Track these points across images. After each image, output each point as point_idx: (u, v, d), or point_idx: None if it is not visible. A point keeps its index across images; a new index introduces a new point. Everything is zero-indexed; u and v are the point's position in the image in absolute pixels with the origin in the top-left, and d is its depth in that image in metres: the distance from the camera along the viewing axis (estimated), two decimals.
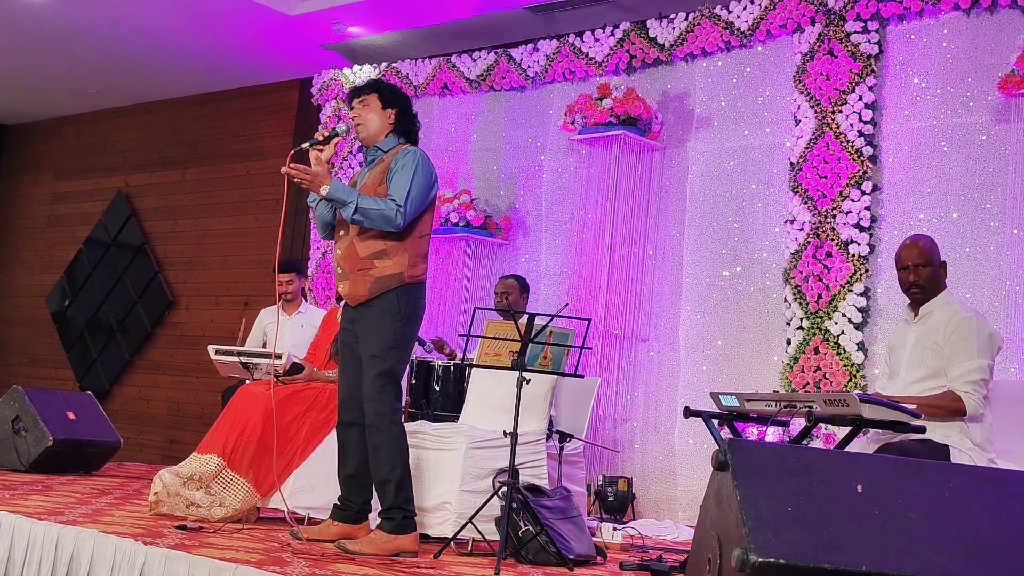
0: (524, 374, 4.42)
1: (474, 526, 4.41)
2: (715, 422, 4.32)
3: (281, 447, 4.99)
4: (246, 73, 9.79)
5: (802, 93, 6.55)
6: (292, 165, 4.26)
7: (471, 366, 5.12)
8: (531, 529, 4.38)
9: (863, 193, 6.25)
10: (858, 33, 6.39)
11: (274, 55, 9.20)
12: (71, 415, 6.83)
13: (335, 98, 8.98)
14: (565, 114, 7.35)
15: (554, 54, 7.79)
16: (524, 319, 4.49)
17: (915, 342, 4.34)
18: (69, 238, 11.57)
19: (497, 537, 4.35)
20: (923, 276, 4.34)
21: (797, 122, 6.56)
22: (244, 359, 5.71)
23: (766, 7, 6.78)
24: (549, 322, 4.46)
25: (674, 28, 7.20)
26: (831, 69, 6.45)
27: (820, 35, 6.52)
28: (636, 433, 7.01)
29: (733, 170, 6.95)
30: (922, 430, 3.76)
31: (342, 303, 4.59)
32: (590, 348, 5.90)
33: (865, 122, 6.32)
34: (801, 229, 6.41)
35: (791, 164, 6.54)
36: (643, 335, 7.11)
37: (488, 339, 4.60)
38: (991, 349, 4.21)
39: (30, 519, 4.19)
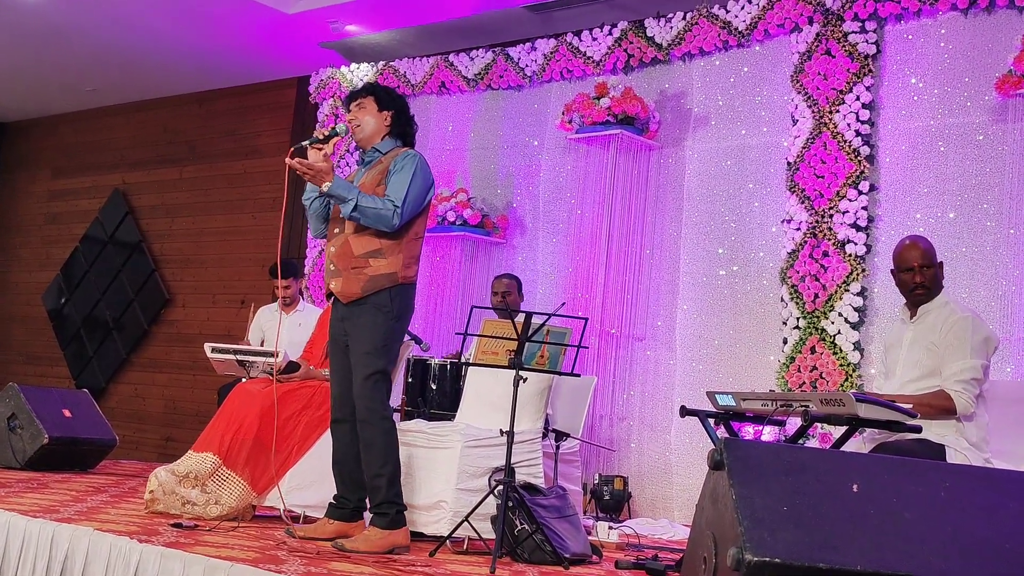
0: (521, 373, 4.42)
1: (470, 524, 4.41)
2: (711, 421, 4.32)
3: (277, 445, 4.99)
4: (243, 71, 9.79)
5: (799, 93, 6.55)
6: (296, 159, 4.31)
7: (468, 364, 5.12)
8: (527, 528, 4.38)
9: (860, 193, 6.26)
10: (856, 33, 6.39)
11: (271, 53, 9.20)
12: (67, 413, 6.82)
13: (332, 96, 8.97)
14: (563, 113, 7.35)
15: (552, 53, 7.79)
16: (521, 318, 4.49)
17: (911, 342, 4.34)
18: (66, 236, 11.56)
19: (493, 536, 4.35)
20: (927, 277, 4.35)
21: (794, 122, 6.56)
22: (240, 357, 5.71)
23: (764, 7, 6.78)
24: (546, 321, 4.46)
25: (672, 27, 7.19)
26: (829, 69, 6.45)
27: (818, 35, 6.52)
28: (632, 432, 7.01)
29: (730, 169, 6.95)
30: (918, 430, 3.76)
31: (331, 300, 4.59)
32: (587, 347, 5.90)
33: (862, 122, 6.32)
34: (798, 229, 6.42)
35: (788, 164, 6.54)
36: (640, 334, 7.11)
37: (485, 338, 4.60)
38: (986, 350, 4.22)
39: (25, 517, 4.19)
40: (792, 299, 6.37)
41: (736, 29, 6.90)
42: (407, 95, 8.33)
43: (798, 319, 6.34)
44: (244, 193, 10.01)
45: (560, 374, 4.64)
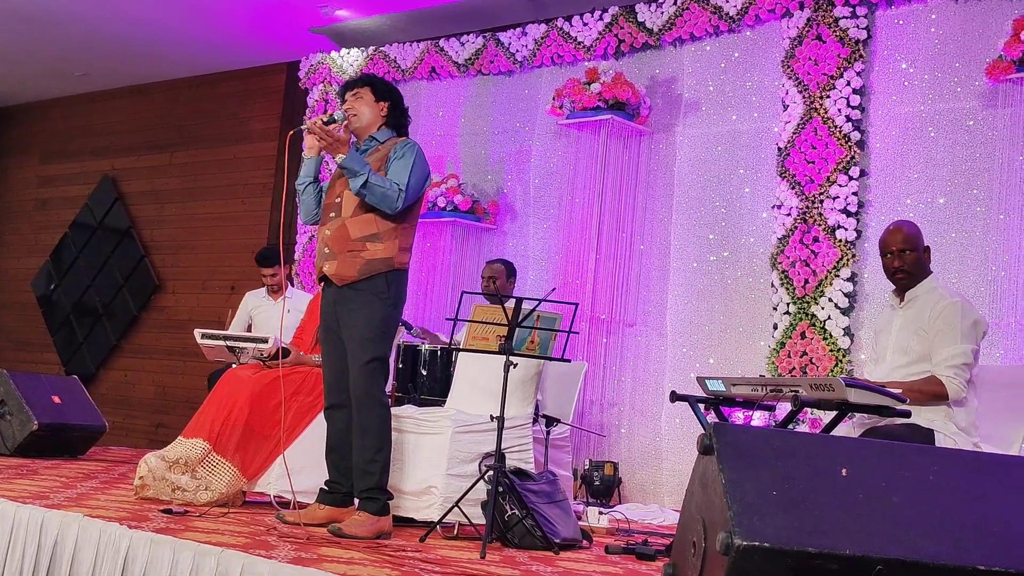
0: (511, 358, 4.42)
1: (460, 510, 4.42)
2: (701, 406, 4.33)
3: (268, 431, 4.99)
4: (233, 56, 9.75)
5: (790, 78, 6.55)
6: (319, 125, 4.34)
7: (458, 350, 5.11)
8: (517, 513, 4.39)
9: (850, 178, 6.26)
10: (846, 18, 6.38)
11: (261, 38, 9.16)
12: (56, 399, 6.81)
13: (323, 82, 8.94)
14: (553, 98, 7.33)
15: (542, 38, 7.77)
16: (511, 303, 4.49)
17: (900, 327, 4.35)
18: (55, 222, 11.51)
19: (483, 521, 4.35)
20: (907, 261, 4.36)
21: (785, 107, 6.56)
22: (230, 343, 5.70)
23: None
24: (536, 306, 4.46)
25: (663, 13, 7.18)
26: (819, 54, 6.44)
27: (808, 20, 6.51)
28: (623, 417, 7.02)
29: (721, 155, 6.95)
30: (907, 414, 3.77)
31: (321, 284, 4.58)
32: (577, 333, 5.90)
33: (853, 107, 6.32)
34: (788, 214, 6.42)
35: (779, 149, 6.54)
36: (630, 320, 7.11)
37: (475, 323, 4.60)
38: (976, 334, 4.23)
39: (14, 503, 4.18)
40: (782, 284, 6.38)
41: (727, 14, 6.89)
42: (397, 80, 8.32)
43: (788, 304, 6.35)
44: (234, 179, 9.98)
45: (550, 359, 4.65)
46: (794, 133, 6.47)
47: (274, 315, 7.33)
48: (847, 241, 6.22)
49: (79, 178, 11.38)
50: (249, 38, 9.19)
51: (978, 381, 4.27)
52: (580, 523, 4.86)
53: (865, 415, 4.12)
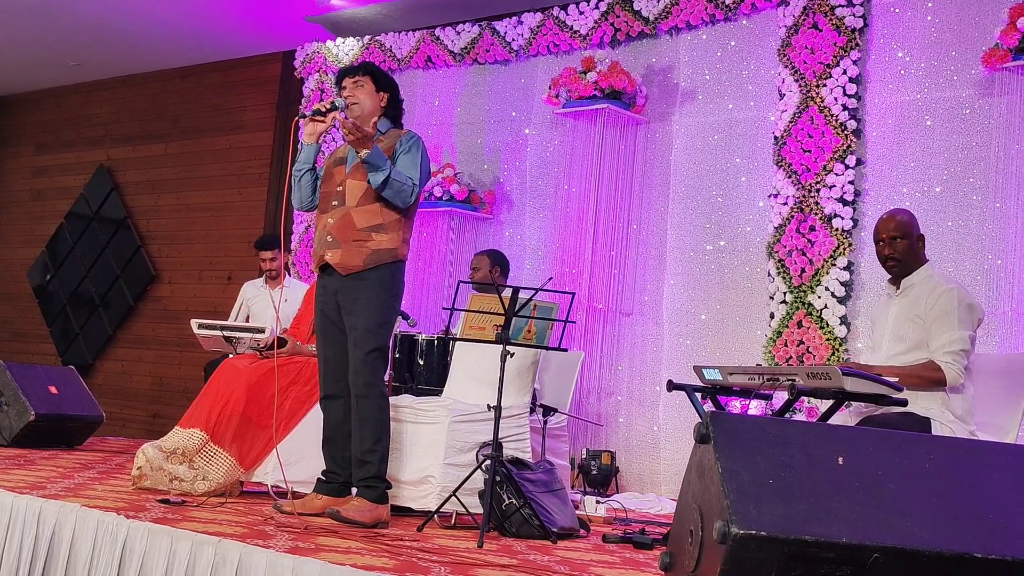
0: (508, 348, 4.42)
1: (458, 499, 4.42)
2: (698, 395, 4.33)
3: (265, 421, 4.99)
4: (228, 46, 9.72)
5: (786, 67, 6.54)
6: (351, 122, 4.31)
7: (455, 340, 5.11)
8: (515, 502, 4.39)
9: (847, 167, 6.26)
10: (843, 7, 6.37)
11: (257, 27, 9.13)
12: (53, 390, 6.81)
13: (318, 71, 8.93)
14: (549, 87, 7.32)
15: (538, 27, 7.76)
16: (508, 293, 4.49)
17: (897, 315, 4.36)
18: (50, 212, 11.49)
19: (480, 510, 4.36)
20: (898, 249, 4.37)
21: (781, 96, 6.55)
22: (227, 333, 5.70)
23: None
24: (533, 296, 4.46)
25: (659, 1, 7.16)
26: (816, 43, 6.44)
27: (805, 8, 6.50)
28: (620, 407, 7.03)
29: (717, 144, 6.94)
30: (904, 403, 3.77)
31: (319, 272, 4.56)
32: (574, 322, 5.91)
33: (849, 96, 6.32)
34: (785, 203, 6.42)
35: (775, 138, 6.54)
36: (627, 309, 7.11)
37: (472, 313, 4.60)
38: (972, 321, 4.24)
39: (12, 494, 4.18)
40: (779, 273, 6.38)
41: (723, 3, 6.88)
42: (393, 70, 8.31)
43: (785, 293, 6.35)
44: (230, 168, 9.96)
45: (547, 349, 4.65)
46: (790, 122, 6.46)
47: (271, 305, 7.34)
48: (843, 230, 6.22)
49: (74, 168, 11.36)
50: (244, 27, 9.16)
51: (974, 369, 4.28)
52: (578, 512, 4.86)
53: (862, 404, 4.12)
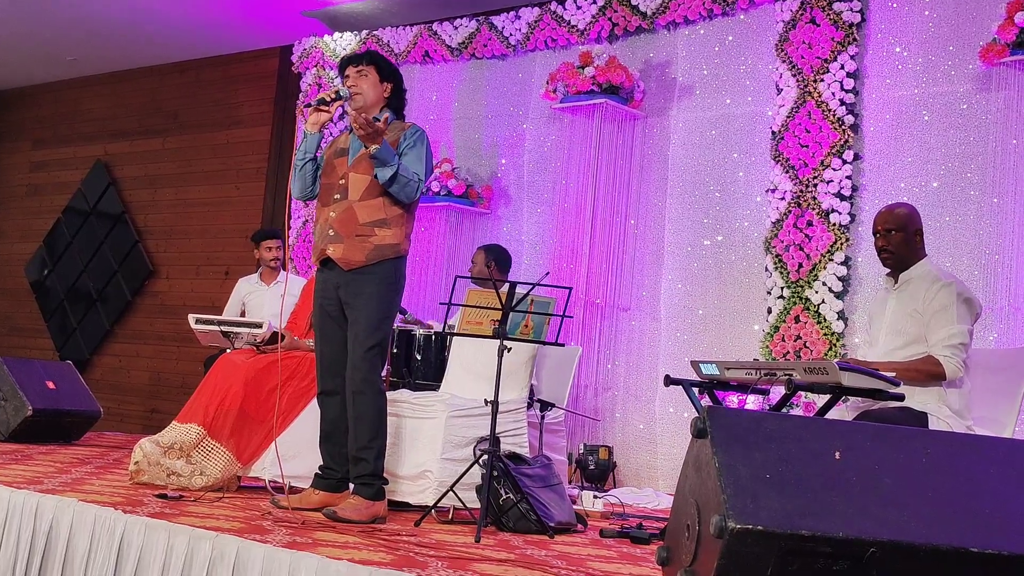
0: (505, 343, 4.42)
1: (455, 494, 4.42)
2: (695, 390, 4.33)
3: (262, 416, 4.98)
4: (226, 40, 9.71)
5: (784, 62, 6.54)
6: (363, 113, 4.28)
7: (452, 335, 5.11)
8: (512, 497, 4.39)
9: (844, 162, 6.26)
10: (840, 1, 6.37)
11: (254, 22, 9.12)
12: (51, 384, 6.80)
13: (315, 66, 8.92)
14: (547, 82, 7.32)
15: (536, 22, 7.75)
16: (505, 288, 4.48)
17: (894, 309, 4.36)
18: (48, 207, 11.48)
19: (478, 505, 4.36)
20: (893, 241, 4.37)
21: (779, 91, 6.55)
22: (225, 328, 5.69)
23: None
24: (530, 291, 4.46)
25: None
26: (813, 38, 6.44)
27: (802, 3, 6.50)
28: (617, 402, 7.03)
29: (715, 139, 6.94)
30: (901, 397, 3.78)
31: (319, 267, 4.53)
32: (571, 317, 5.91)
33: (847, 91, 6.32)
34: (782, 198, 6.42)
35: (773, 133, 6.54)
36: (625, 304, 7.12)
37: (469, 308, 4.60)
38: (970, 315, 4.25)
39: (9, 488, 4.17)
40: (776, 268, 6.39)
41: None
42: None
43: (782, 288, 6.35)
44: (227, 164, 9.95)
45: (544, 344, 4.64)
46: (788, 117, 6.46)
47: (267, 300, 7.34)
48: (841, 225, 6.23)
49: (71, 163, 11.35)
50: (242, 22, 9.15)
51: (972, 364, 4.29)
52: (575, 507, 4.86)
53: (859, 399, 4.13)
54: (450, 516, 4.56)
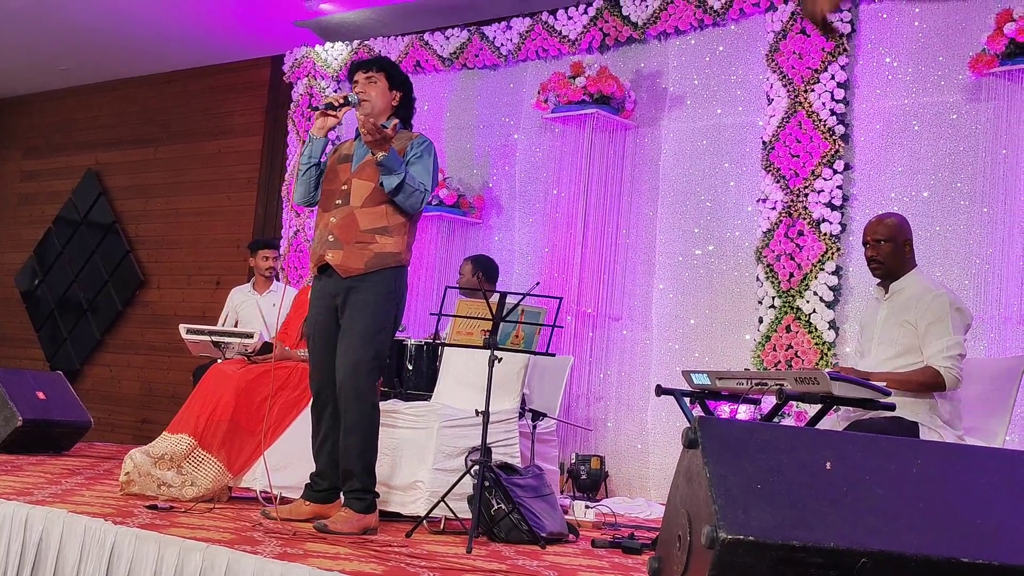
0: (496, 353, 4.41)
1: (446, 504, 4.41)
2: (687, 400, 4.33)
3: (253, 427, 4.98)
4: (217, 50, 9.70)
5: (774, 72, 6.56)
6: (371, 118, 4.23)
7: (443, 345, 5.11)
8: (503, 507, 4.39)
9: (835, 172, 6.28)
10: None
11: (245, 32, 9.12)
12: (41, 395, 6.78)
13: (307, 76, 8.93)
14: (538, 92, 7.33)
15: (527, 32, 7.76)
16: (495, 298, 4.48)
17: (885, 319, 4.37)
18: (39, 217, 11.45)
19: (469, 515, 4.35)
20: (882, 252, 4.38)
21: (769, 101, 6.57)
22: (216, 338, 5.69)
23: None
24: (520, 301, 4.45)
25: (647, 6, 7.18)
26: (803, 48, 6.46)
27: (793, 14, 6.52)
28: (609, 411, 7.03)
29: (706, 149, 6.96)
30: (892, 407, 3.78)
31: (315, 274, 4.49)
32: (561, 327, 5.91)
33: (837, 101, 6.34)
34: (773, 208, 6.44)
35: (763, 143, 6.56)
36: (616, 314, 7.12)
37: (460, 318, 4.59)
38: (963, 325, 4.26)
39: None
40: (767, 278, 6.40)
41: (711, 8, 6.89)
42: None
43: (773, 298, 6.36)
44: (219, 173, 9.94)
45: (534, 354, 4.64)
46: (779, 127, 6.48)
47: (259, 311, 7.34)
48: (832, 235, 6.24)
49: (62, 173, 11.32)
50: (233, 32, 9.15)
51: (963, 374, 4.29)
52: (566, 517, 4.86)
53: (850, 408, 4.13)
54: (442, 526, 4.56)
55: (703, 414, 4.37)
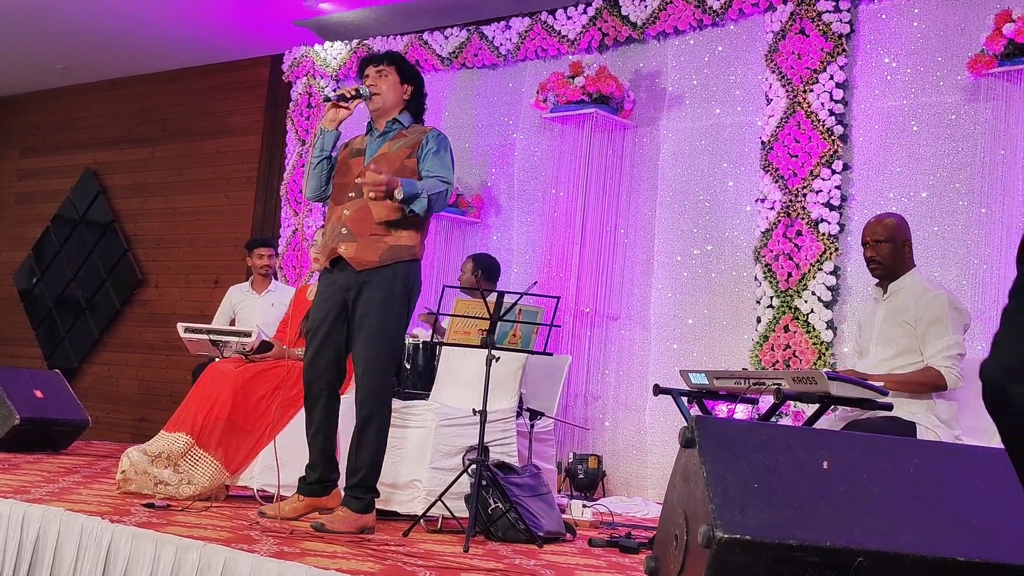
0: (493, 352, 4.41)
1: (444, 504, 4.40)
2: (684, 400, 4.33)
3: (250, 425, 4.97)
4: (216, 49, 9.70)
5: (773, 72, 6.56)
6: (372, 177, 4.10)
7: (441, 344, 5.11)
8: (501, 506, 4.38)
9: (833, 172, 6.28)
10: (830, 12, 6.39)
11: (244, 31, 9.12)
12: (39, 393, 6.78)
13: (306, 75, 8.92)
14: (537, 92, 7.33)
15: (526, 32, 7.76)
16: (492, 297, 4.48)
17: (883, 319, 4.37)
18: (36, 215, 11.45)
19: (467, 514, 4.35)
20: (881, 252, 4.38)
21: (768, 101, 6.57)
22: (214, 337, 5.68)
23: None
24: (518, 300, 4.45)
25: (646, 6, 7.18)
26: (802, 48, 6.46)
27: (792, 14, 6.52)
28: (607, 411, 7.03)
29: (704, 149, 6.95)
30: (889, 407, 3.78)
31: (314, 276, 4.49)
32: (559, 326, 5.91)
33: (836, 101, 6.34)
34: (772, 208, 6.44)
35: (762, 143, 6.55)
36: (614, 313, 7.12)
37: (457, 317, 4.58)
38: (962, 325, 4.27)
39: None
40: (766, 278, 6.40)
41: (710, 8, 6.89)
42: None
43: (771, 298, 6.36)
44: (217, 173, 9.94)
45: (532, 353, 4.64)
46: (777, 127, 6.48)
47: (258, 309, 7.34)
48: (830, 235, 6.24)
49: (61, 172, 11.32)
50: (232, 31, 9.15)
51: (963, 374, 4.29)
52: (564, 516, 4.86)
53: (848, 408, 4.13)
54: (439, 525, 4.55)
55: (700, 414, 4.37)
